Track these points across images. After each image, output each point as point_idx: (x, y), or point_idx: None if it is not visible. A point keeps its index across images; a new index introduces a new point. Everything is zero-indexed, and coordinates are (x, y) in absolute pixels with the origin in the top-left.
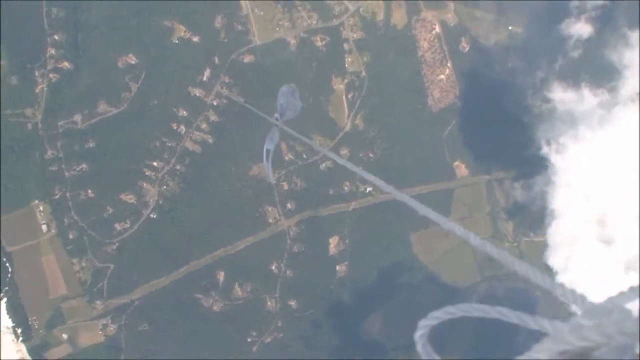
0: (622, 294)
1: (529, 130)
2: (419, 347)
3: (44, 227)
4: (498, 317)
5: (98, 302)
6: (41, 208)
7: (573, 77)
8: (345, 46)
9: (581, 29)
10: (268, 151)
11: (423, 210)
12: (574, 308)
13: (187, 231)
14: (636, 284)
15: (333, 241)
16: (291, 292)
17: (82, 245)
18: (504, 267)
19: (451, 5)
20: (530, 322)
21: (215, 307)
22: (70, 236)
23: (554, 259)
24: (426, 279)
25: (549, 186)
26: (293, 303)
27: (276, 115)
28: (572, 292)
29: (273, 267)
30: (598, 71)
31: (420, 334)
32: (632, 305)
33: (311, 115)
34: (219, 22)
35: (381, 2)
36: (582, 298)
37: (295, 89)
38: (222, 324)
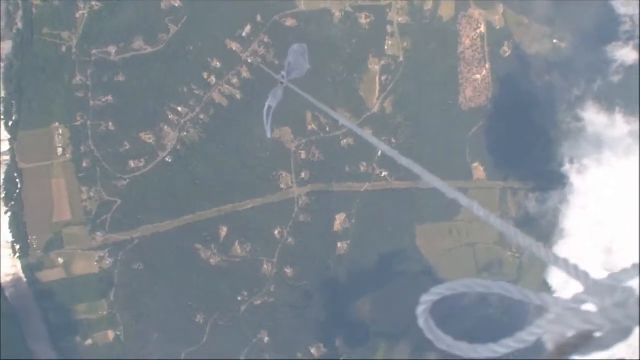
0: (624, 270)
1: (554, 146)
2: (421, 322)
3: (60, 151)
4: (500, 293)
5: (99, 233)
6: (60, 131)
7: (609, 100)
8: (389, 28)
9: (627, 54)
10: (269, 108)
11: (431, 179)
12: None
13: (198, 181)
14: (637, 261)
15: (339, 218)
16: (289, 260)
17: (93, 175)
18: (509, 240)
19: (501, 7)
20: (533, 297)
21: (212, 260)
22: (84, 164)
23: (554, 278)
24: (423, 272)
25: (563, 204)
26: (289, 271)
27: (283, 73)
28: (575, 267)
29: (276, 232)
30: (635, 100)
31: (422, 309)
32: (634, 284)
33: (341, 90)
34: None
35: None
36: (585, 274)
37: (306, 49)
38: (215, 278)
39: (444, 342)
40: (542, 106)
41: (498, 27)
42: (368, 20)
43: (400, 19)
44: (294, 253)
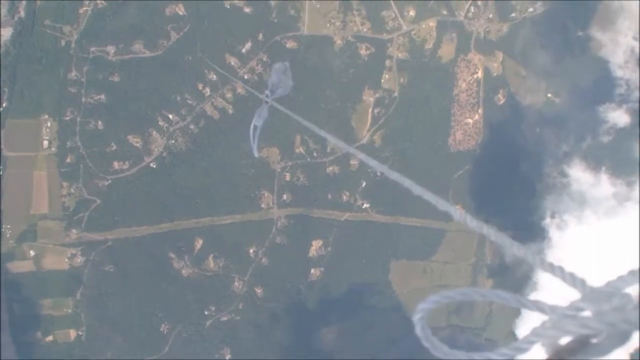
0: (621, 277)
1: (537, 198)
2: (418, 330)
3: (45, 143)
4: (497, 301)
5: (74, 230)
6: (49, 124)
7: (596, 160)
8: (387, 62)
9: (619, 117)
10: (255, 127)
11: (421, 191)
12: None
13: (180, 190)
14: (635, 267)
15: (316, 244)
16: (261, 280)
17: (76, 172)
18: (505, 251)
19: (500, 55)
20: (529, 305)
21: (184, 271)
22: (68, 159)
23: (521, 329)
24: (392, 308)
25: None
26: (259, 291)
27: (267, 92)
28: (572, 275)
29: (251, 251)
30: (622, 162)
31: (419, 317)
32: (631, 290)
33: (333, 117)
34: (275, 1)
35: (434, 32)
36: (582, 282)
37: (288, 67)
38: (185, 289)
39: (440, 350)
40: (530, 158)
41: (495, 75)
42: (368, 52)
43: (399, 55)
44: (267, 274)
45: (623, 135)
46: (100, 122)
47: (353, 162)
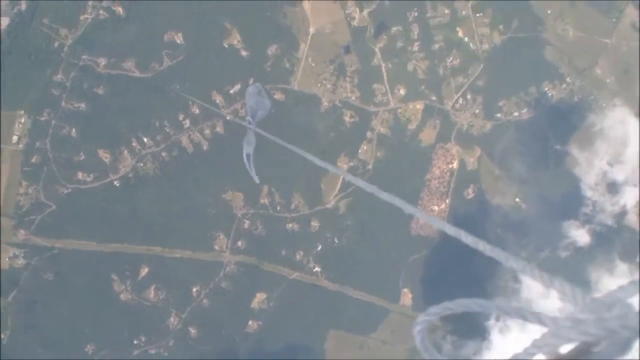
0: (621, 288)
1: (485, 298)
2: (418, 342)
3: (15, 138)
4: (497, 312)
5: (22, 231)
6: (23, 120)
7: (550, 273)
8: (368, 134)
9: (580, 236)
10: (248, 155)
11: (413, 211)
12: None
13: (138, 214)
14: (636, 278)
15: (260, 296)
16: (197, 320)
17: (38, 174)
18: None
19: (478, 151)
20: (530, 317)
21: (122, 296)
22: (33, 160)
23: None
24: None
25: (477, 356)
26: (194, 331)
27: (248, 118)
28: (571, 287)
29: (194, 289)
30: (574, 281)
31: (419, 329)
32: (632, 300)
33: (304, 176)
34: (272, 50)
35: (420, 114)
36: (582, 294)
37: (261, 87)
38: (119, 314)
39: None
40: (486, 257)
41: (470, 169)
42: (352, 120)
43: (382, 129)
44: (205, 315)
45: (580, 254)
46: (74, 130)
47: (314, 223)
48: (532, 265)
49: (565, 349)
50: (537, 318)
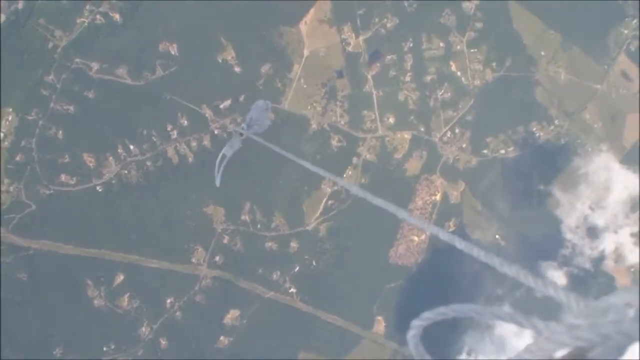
0: (617, 293)
1: (459, 332)
2: (411, 347)
3: (1, 135)
4: (491, 318)
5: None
6: (10, 118)
7: (524, 312)
8: (354, 159)
9: (557, 277)
10: (224, 156)
11: (406, 216)
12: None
13: (118, 221)
14: (630, 284)
15: (233, 313)
16: (169, 332)
17: (21, 172)
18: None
19: (462, 185)
20: (523, 322)
21: (95, 301)
22: (17, 158)
23: None
24: None
25: None
26: (164, 343)
27: (243, 125)
28: (566, 291)
29: (168, 301)
30: (548, 320)
31: (412, 334)
32: (627, 305)
33: (287, 196)
34: (265, 69)
35: (407, 144)
36: (577, 298)
37: (269, 106)
38: (91, 319)
39: None
40: (462, 290)
41: (452, 202)
42: (339, 144)
43: (368, 156)
44: (177, 328)
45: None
46: (61, 132)
47: (293, 244)
48: (525, 271)
49: (559, 354)
50: (531, 323)
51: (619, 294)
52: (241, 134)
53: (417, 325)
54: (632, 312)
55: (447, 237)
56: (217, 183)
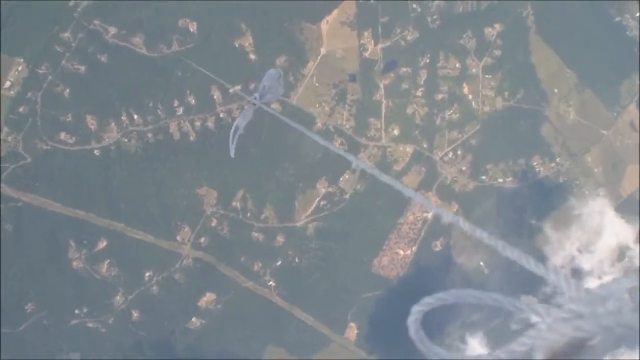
0: (616, 280)
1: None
2: (412, 333)
3: (7, 84)
4: (492, 304)
5: None
6: (20, 68)
7: (496, 342)
8: (353, 165)
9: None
10: (237, 128)
11: (413, 194)
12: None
13: (110, 187)
14: (630, 271)
15: (209, 296)
16: (142, 305)
17: (22, 124)
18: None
19: (455, 207)
20: (524, 308)
21: (74, 263)
22: (21, 109)
23: None
24: None
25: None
26: (136, 315)
27: (255, 94)
28: (566, 278)
29: (146, 274)
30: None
31: (413, 319)
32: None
33: (281, 190)
34: (280, 61)
35: (408, 158)
36: (577, 285)
37: (282, 74)
38: (68, 280)
39: (434, 352)
40: (438, 311)
41: (443, 222)
42: (341, 147)
43: (368, 163)
44: (150, 302)
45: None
46: (68, 90)
47: (279, 238)
48: (527, 255)
49: (560, 341)
50: (531, 309)
51: (619, 281)
52: (254, 104)
53: (417, 310)
54: (630, 303)
55: (451, 218)
56: (232, 154)
